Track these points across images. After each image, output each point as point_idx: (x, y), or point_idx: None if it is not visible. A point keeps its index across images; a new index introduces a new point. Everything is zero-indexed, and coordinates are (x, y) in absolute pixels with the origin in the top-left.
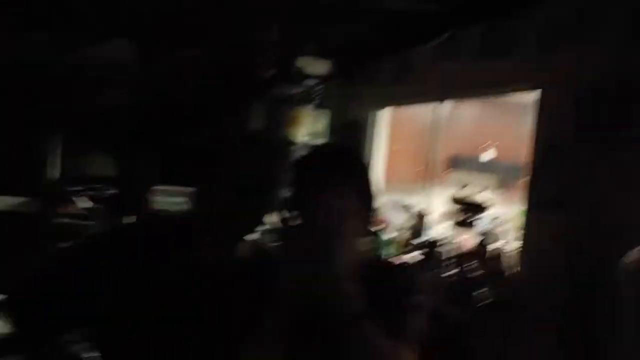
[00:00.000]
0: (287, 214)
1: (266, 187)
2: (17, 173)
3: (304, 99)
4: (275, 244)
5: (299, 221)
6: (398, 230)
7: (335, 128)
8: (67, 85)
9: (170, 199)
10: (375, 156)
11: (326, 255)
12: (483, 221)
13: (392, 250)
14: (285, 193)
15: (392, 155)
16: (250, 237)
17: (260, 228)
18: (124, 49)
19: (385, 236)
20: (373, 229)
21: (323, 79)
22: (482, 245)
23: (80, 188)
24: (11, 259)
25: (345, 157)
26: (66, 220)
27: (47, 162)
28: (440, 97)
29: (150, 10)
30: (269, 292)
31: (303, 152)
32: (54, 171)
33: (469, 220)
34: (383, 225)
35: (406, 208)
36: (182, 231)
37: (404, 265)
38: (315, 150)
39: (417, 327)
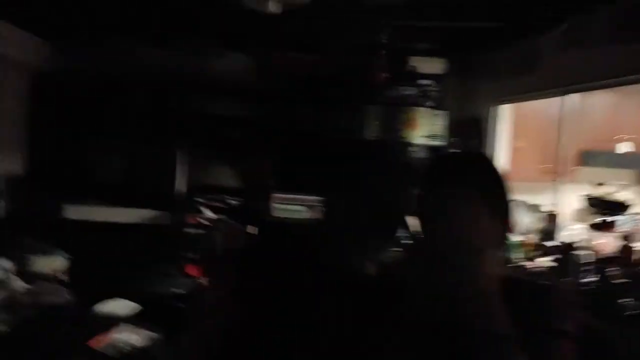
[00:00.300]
0: (415, 227)
1: (392, 198)
2: (148, 186)
3: (420, 100)
4: (406, 258)
5: (429, 234)
6: (526, 233)
7: (453, 127)
8: (191, 97)
9: (291, 207)
10: (498, 154)
11: (461, 271)
12: (624, 221)
13: (520, 254)
14: (413, 204)
15: (516, 153)
16: (378, 250)
17: (388, 241)
18: (242, 59)
19: (512, 240)
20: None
21: (438, 78)
22: (626, 247)
23: (204, 199)
24: (145, 271)
25: (477, 164)
26: (194, 231)
27: (175, 175)
28: (568, 89)
29: (265, 19)
30: (399, 309)
31: (431, 161)
32: (182, 183)
33: (607, 221)
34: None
35: (534, 208)
36: (310, 244)
37: (548, 281)
38: (444, 158)
39: (566, 352)
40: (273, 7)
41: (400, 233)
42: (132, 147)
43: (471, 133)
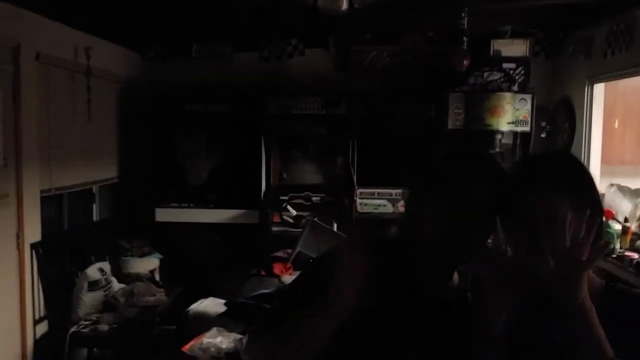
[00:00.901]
0: (504, 240)
1: (482, 206)
2: (235, 187)
3: (505, 84)
4: (494, 271)
5: (519, 245)
6: (625, 221)
7: (540, 111)
8: (274, 98)
9: (372, 201)
10: (592, 137)
11: (558, 285)
12: None
13: (618, 244)
14: (501, 214)
15: (611, 134)
16: (465, 260)
17: (477, 255)
18: (322, 56)
19: (608, 229)
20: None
21: (524, 60)
22: None
23: (288, 197)
24: (240, 268)
25: (568, 168)
26: (279, 228)
27: (260, 174)
28: None
29: (347, 15)
30: (487, 327)
31: (519, 164)
32: (267, 182)
33: None
34: (606, 216)
35: (635, 193)
36: (399, 258)
37: None
38: (532, 162)
39: None
40: (345, 6)
41: (488, 242)
42: (220, 149)
43: (562, 116)
